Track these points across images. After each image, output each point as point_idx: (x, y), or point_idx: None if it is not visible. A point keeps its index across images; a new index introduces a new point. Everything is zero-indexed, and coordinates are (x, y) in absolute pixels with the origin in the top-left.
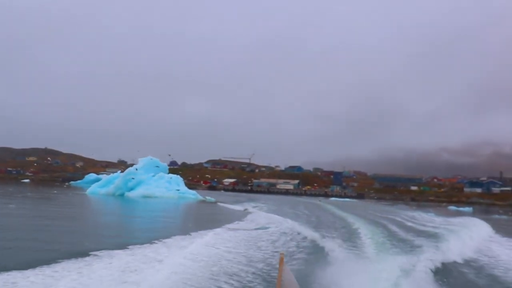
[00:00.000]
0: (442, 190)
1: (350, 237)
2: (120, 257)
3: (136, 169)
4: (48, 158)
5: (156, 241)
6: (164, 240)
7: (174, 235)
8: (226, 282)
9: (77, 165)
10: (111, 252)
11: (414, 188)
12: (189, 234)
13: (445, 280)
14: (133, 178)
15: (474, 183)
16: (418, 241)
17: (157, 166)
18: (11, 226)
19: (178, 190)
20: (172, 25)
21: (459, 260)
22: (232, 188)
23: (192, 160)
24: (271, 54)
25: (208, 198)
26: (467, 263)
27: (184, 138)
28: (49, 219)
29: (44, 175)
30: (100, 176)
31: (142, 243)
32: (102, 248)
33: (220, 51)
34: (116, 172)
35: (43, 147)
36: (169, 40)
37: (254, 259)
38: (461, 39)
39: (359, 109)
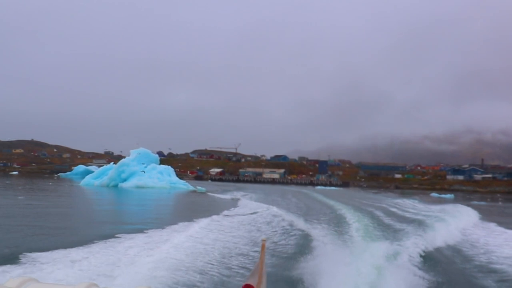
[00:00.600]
0: (426, 177)
1: (336, 224)
2: (130, 241)
3: (144, 164)
4: (36, 152)
5: (150, 229)
6: (161, 228)
7: (171, 224)
8: (209, 270)
9: (64, 157)
10: (127, 235)
11: (398, 176)
12: (189, 221)
13: (428, 265)
14: (143, 172)
15: (456, 171)
16: (401, 227)
17: (147, 158)
18: (36, 215)
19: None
20: (157, 16)
21: (442, 245)
22: (219, 178)
23: (178, 150)
24: (256, 44)
25: (199, 188)
26: (449, 247)
27: (170, 128)
28: (63, 208)
29: (32, 167)
30: (89, 167)
31: (143, 230)
32: (123, 232)
33: (205, 42)
34: (103, 162)
35: (29, 139)
36: (154, 31)
37: (240, 245)
38: (443, 27)
39: (343, 98)
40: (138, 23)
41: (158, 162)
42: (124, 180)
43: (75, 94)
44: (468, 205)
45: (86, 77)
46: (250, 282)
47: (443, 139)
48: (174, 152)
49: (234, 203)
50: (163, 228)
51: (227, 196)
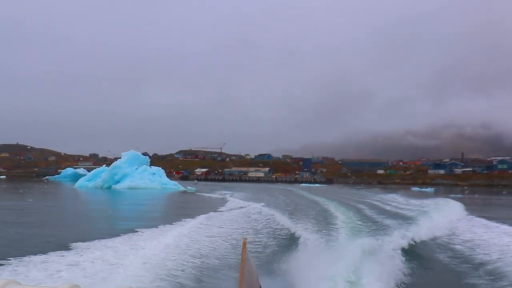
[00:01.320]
0: (408, 172)
1: (320, 220)
2: (117, 241)
3: (151, 168)
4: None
5: (142, 228)
6: (155, 227)
7: (165, 223)
8: (193, 268)
9: (50, 160)
10: (124, 235)
11: (380, 171)
12: (180, 220)
13: (408, 258)
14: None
15: (437, 165)
16: (381, 220)
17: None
18: (57, 215)
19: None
20: (139, 19)
21: (421, 237)
22: (205, 178)
23: (163, 151)
24: (240, 45)
25: (189, 188)
26: (429, 239)
27: (154, 130)
28: (73, 207)
29: (18, 171)
30: (77, 170)
31: (139, 228)
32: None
33: (188, 42)
34: (89, 165)
35: (14, 143)
36: (137, 33)
37: (224, 243)
38: (423, 24)
39: (326, 97)
40: (120, 24)
41: (149, 163)
42: (117, 182)
43: (58, 96)
44: (446, 197)
45: (69, 80)
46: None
47: (425, 134)
48: (159, 153)
49: (223, 202)
50: (156, 227)
51: (216, 195)
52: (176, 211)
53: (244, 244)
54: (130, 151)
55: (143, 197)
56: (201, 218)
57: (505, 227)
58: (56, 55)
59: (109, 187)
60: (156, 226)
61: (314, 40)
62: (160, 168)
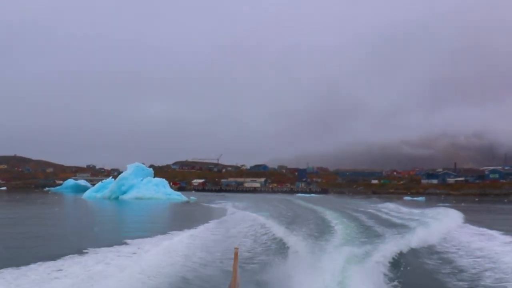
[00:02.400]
0: (401, 182)
1: (315, 229)
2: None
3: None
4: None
5: (151, 236)
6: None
7: (164, 232)
8: (184, 278)
9: (48, 171)
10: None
11: (375, 181)
12: (178, 230)
13: (397, 265)
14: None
15: (430, 175)
16: (373, 228)
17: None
18: (95, 223)
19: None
20: (137, 29)
21: (412, 245)
22: (202, 188)
23: (159, 162)
24: (235, 58)
25: (191, 198)
26: (419, 247)
27: (151, 141)
28: (96, 216)
29: (17, 182)
30: (78, 181)
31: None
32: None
33: (184, 56)
34: (87, 176)
35: (12, 154)
36: (133, 45)
37: (217, 253)
38: (415, 36)
39: (320, 107)
40: (118, 37)
41: (153, 175)
42: (124, 192)
43: (55, 108)
44: (436, 206)
45: (66, 92)
46: None
47: (419, 143)
48: (156, 164)
49: (222, 211)
50: (153, 236)
51: (215, 205)
52: (178, 220)
53: (236, 254)
54: (135, 163)
55: (151, 207)
56: (199, 228)
57: (490, 232)
58: (55, 68)
59: (117, 198)
60: (153, 236)
61: (307, 51)
62: (163, 179)
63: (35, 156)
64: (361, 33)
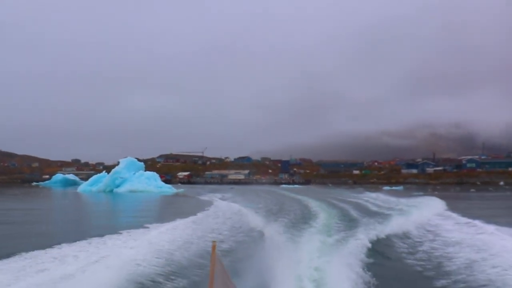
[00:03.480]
0: (382, 172)
1: (297, 218)
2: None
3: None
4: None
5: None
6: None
7: (151, 222)
8: (162, 271)
9: (33, 166)
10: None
11: (356, 172)
12: (161, 222)
13: (373, 252)
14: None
15: (410, 165)
16: (351, 216)
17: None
18: (98, 211)
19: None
20: (119, 22)
21: (386, 232)
22: (187, 181)
23: (144, 155)
24: (219, 52)
25: (180, 190)
26: (393, 233)
27: (135, 134)
28: (100, 207)
29: (3, 177)
30: (67, 176)
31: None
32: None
33: (166, 46)
34: (73, 170)
35: None
36: (117, 38)
37: (199, 245)
38: (395, 29)
39: (302, 100)
40: (103, 31)
41: (144, 169)
42: (118, 186)
43: (39, 104)
44: (412, 194)
45: (49, 87)
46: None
47: (400, 134)
48: (140, 157)
49: (208, 203)
50: (138, 228)
51: (204, 197)
52: (165, 212)
53: (214, 247)
54: (127, 157)
55: (144, 199)
56: (183, 220)
57: (460, 218)
58: (37, 63)
59: (111, 191)
60: (139, 227)
61: (289, 44)
62: (154, 173)
63: (20, 151)
64: (342, 29)
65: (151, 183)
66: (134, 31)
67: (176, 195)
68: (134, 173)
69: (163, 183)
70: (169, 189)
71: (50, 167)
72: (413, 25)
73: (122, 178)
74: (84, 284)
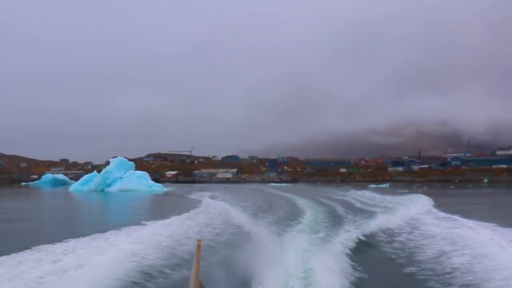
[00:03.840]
0: (369, 170)
1: (284, 215)
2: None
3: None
4: None
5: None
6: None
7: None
8: (147, 269)
9: (22, 166)
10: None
11: (343, 170)
12: (150, 220)
13: (359, 249)
14: (120, 178)
15: (396, 163)
16: (337, 213)
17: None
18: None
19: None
20: (106, 23)
21: (371, 229)
22: (176, 180)
23: (132, 155)
24: (206, 51)
25: (171, 188)
26: (379, 230)
27: (123, 134)
28: (93, 206)
29: None
30: (56, 176)
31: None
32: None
33: (154, 45)
34: (61, 170)
35: None
36: (104, 38)
37: (185, 244)
38: (381, 27)
39: (290, 99)
40: (89, 31)
41: (134, 168)
42: (109, 185)
43: (26, 104)
44: (396, 192)
45: (37, 87)
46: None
47: (386, 132)
48: (129, 157)
49: (197, 202)
50: (123, 227)
51: (194, 196)
52: (154, 211)
53: (199, 245)
54: (118, 157)
55: (134, 198)
56: (171, 218)
57: (440, 213)
58: (23, 63)
59: (102, 190)
60: (126, 226)
61: (277, 46)
62: (144, 172)
63: (8, 151)
64: (329, 28)
65: (142, 182)
66: (122, 32)
67: (167, 194)
68: (125, 173)
69: (153, 182)
70: (159, 188)
71: (38, 167)
72: (398, 24)
73: (114, 177)
74: (80, 278)
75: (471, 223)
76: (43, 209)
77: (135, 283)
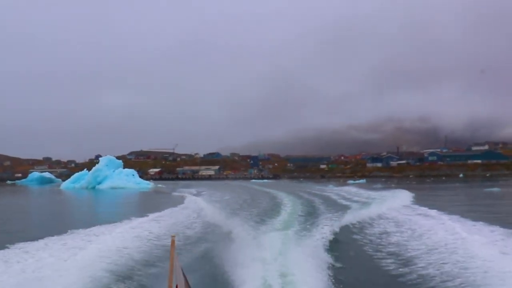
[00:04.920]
0: (348, 166)
1: (264, 211)
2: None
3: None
4: None
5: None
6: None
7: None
8: (122, 267)
9: (5, 165)
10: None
11: (323, 166)
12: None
13: (336, 243)
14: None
15: (375, 159)
16: (315, 207)
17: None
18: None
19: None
20: (91, 22)
21: (347, 222)
22: (159, 177)
23: (114, 152)
24: (186, 47)
25: (159, 185)
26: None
27: (105, 131)
28: (88, 202)
29: None
30: (43, 174)
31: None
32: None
33: (136, 43)
34: (45, 168)
35: None
36: (89, 37)
37: (163, 241)
38: (361, 25)
39: (271, 96)
40: (73, 30)
41: (123, 166)
42: (99, 183)
43: (7, 103)
44: (371, 186)
45: (19, 85)
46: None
47: (367, 128)
48: (111, 155)
49: (181, 199)
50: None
51: (179, 193)
52: (140, 208)
53: (173, 241)
54: (107, 156)
55: (123, 195)
56: (152, 215)
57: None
58: (5, 56)
59: (93, 188)
60: (123, 219)
61: (258, 44)
62: (133, 170)
63: None
64: (310, 26)
65: (130, 180)
66: (105, 32)
67: (155, 190)
68: (114, 171)
69: (141, 179)
70: (147, 185)
71: (21, 165)
72: (378, 22)
73: (104, 175)
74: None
75: (424, 209)
76: (37, 207)
77: (118, 277)
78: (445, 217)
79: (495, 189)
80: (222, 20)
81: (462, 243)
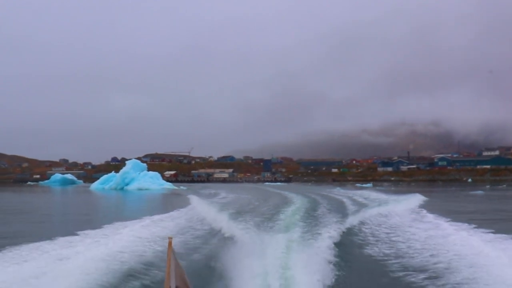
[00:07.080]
0: (359, 170)
1: (275, 212)
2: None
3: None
4: None
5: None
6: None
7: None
8: (121, 269)
9: (23, 166)
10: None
11: (335, 170)
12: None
13: (341, 247)
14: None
15: (385, 163)
16: (324, 210)
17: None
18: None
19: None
20: (103, 27)
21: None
22: (175, 180)
23: (130, 155)
24: (199, 51)
25: (181, 187)
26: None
27: (121, 134)
28: (122, 202)
29: None
30: (65, 175)
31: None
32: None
33: (151, 47)
34: (62, 170)
35: None
36: (100, 37)
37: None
38: (373, 29)
39: (283, 100)
40: (83, 31)
41: (147, 169)
42: (127, 184)
43: (21, 102)
44: (378, 190)
45: (36, 89)
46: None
47: (379, 132)
48: (127, 157)
49: (214, 195)
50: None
51: (204, 192)
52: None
53: (169, 243)
54: (132, 159)
55: (149, 196)
56: (164, 215)
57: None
58: (21, 64)
59: (121, 188)
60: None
61: (270, 48)
62: (157, 173)
63: (9, 152)
64: (320, 30)
65: (155, 182)
66: (119, 32)
67: (175, 191)
68: (139, 173)
69: (164, 181)
70: (170, 186)
71: (39, 167)
72: (388, 27)
73: (131, 177)
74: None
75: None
76: (79, 204)
77: (119, 278)
78: (440, 221)
79: (479, 192)
80: (232, 25)
81: (461, 245)
